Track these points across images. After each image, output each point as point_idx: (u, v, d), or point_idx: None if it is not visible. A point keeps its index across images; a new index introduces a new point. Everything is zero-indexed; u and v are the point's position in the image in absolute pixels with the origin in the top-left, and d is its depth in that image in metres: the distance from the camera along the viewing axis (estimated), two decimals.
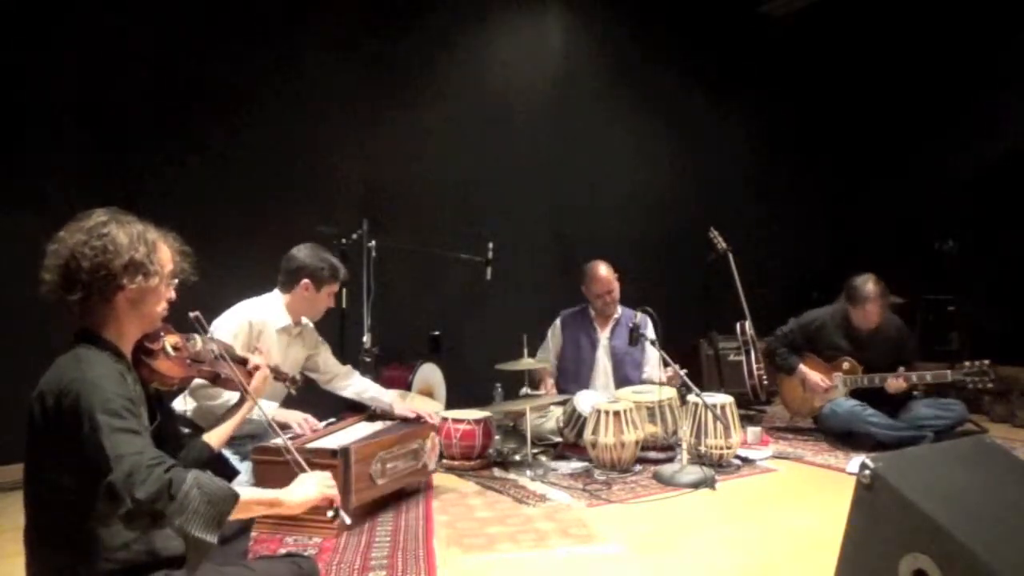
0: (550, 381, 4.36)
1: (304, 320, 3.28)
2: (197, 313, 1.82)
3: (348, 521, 1.74)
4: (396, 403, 3.40)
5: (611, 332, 4.43)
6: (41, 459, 1.53)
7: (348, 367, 3.48)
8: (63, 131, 3.81)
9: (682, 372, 3.77)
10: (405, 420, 3.34)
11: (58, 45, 3.78)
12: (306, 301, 3.20)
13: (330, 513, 1.71)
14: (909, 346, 4.35)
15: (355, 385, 3.42)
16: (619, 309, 4.42)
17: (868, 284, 4.17)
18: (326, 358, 3.40)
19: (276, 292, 3.22)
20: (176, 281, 1.73)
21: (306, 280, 3.16)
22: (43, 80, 3.76)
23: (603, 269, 4.36)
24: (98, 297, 1.57)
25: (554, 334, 4.51)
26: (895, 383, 4.07)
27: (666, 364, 3.84)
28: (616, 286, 4.36)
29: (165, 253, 1.69)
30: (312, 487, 1.67)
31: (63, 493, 1.49)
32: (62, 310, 1.58)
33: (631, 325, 3.98)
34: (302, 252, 3.20)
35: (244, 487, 1.56)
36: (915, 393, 4.25)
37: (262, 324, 3.08)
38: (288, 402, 3.15)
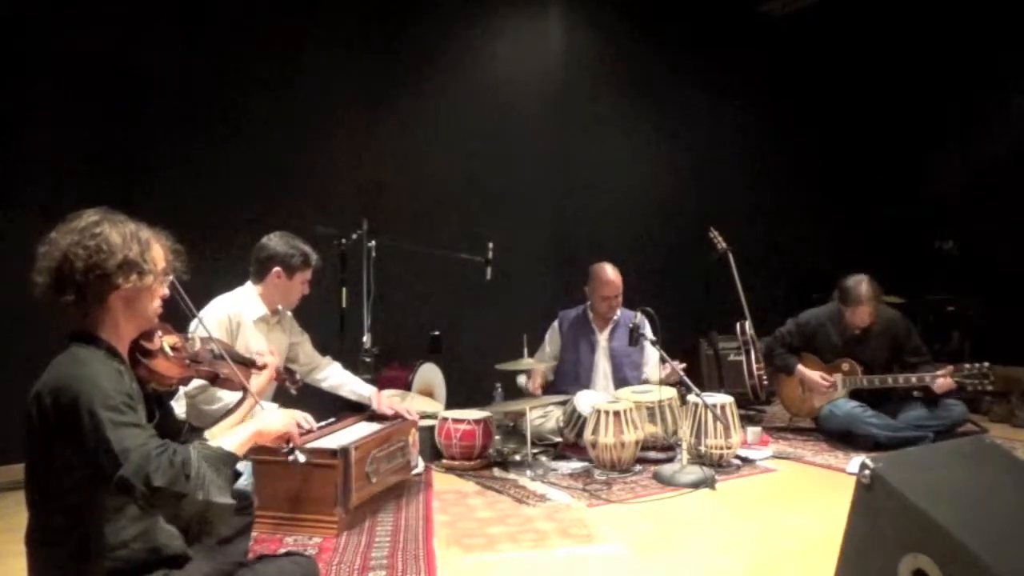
0: (539, 380, 4.33)
1: (281, 308, 3.27)
2: (172, 278, 1.78)
3: (302, 459, 1.81)
4: (375, 398, 3.39)
5: (610, 334, 4.42)
6: (41, 459, 1.53)
7: (328, 358, 3.47)
8: (62, 131, 3.80)
9: (680, 367, 3.75)
10: (385, 417, 3.34)
11: (57, 43, 3.78)
12: (279, 289, 3.17)
13: (284, 449, 1.78)
14: (911, 340, 4.31)
15: (334, 377, 3.42)
16: (618, 311, 4.41)
17: (861, 286, 4.17)
18: (307, 349, 3.40)
19: (248, 284, 3.20)
20: (170, 279, 1.73)
21: (277, 268, 3.13)
22: (42, 79, 3.75)
23: (611, 272, 4.32)
24: (92, 297, 1.57)
25: (553, 336, 4.50)
26: (945, 382, 3.99)
27: (664, 362, 3.83)
28: (621, 290, 4.35)
29: (158, 251, 1.69)
30: (280, 417, 1.78)
31: (63, 492, 1.50)
32: (56, 312, 1.58)
33: (631, 325, 3.97)
34: (272, 241, 3.18)
35: (228, 439, 1.64)
36: (915, 393, 4.25)
37: (239, 316, 3.06)
38: (287, 402, 3.14)
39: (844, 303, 4.24)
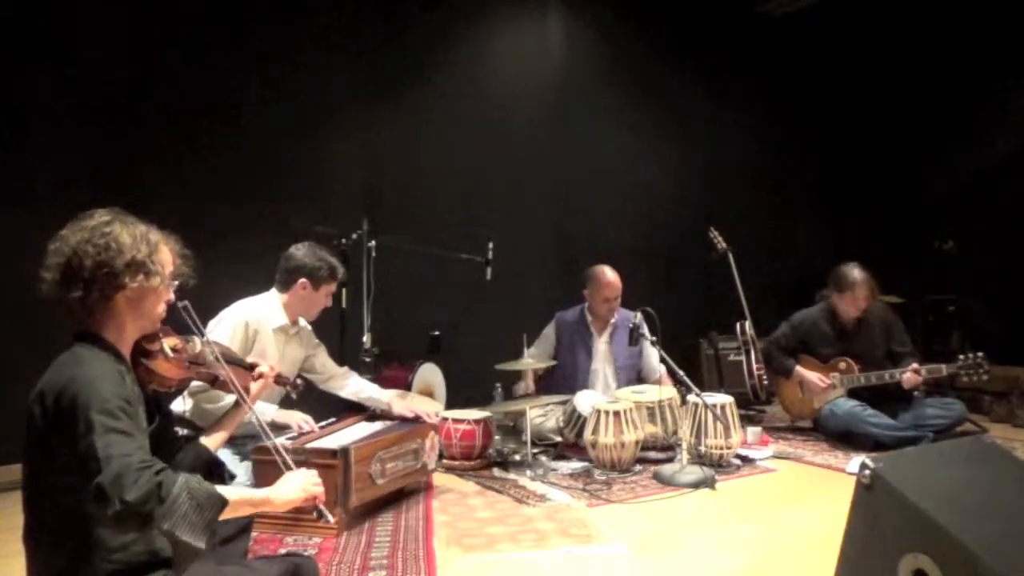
0: (531, 379, 4.26)
1: (302, 321, 3.28)
2: (186, 303, 1.80)
3: (331, 519, 1.75)
4: (394, 403, 3.39)
5: (610, 336, 4.40)
6: (41, 459, 1.53)
7: (345, 368, 3.48)
8: (63, 131, 3.80)
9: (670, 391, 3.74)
10: (404, 420, 3.34)
11: (57, 42, 3.78)
12: (303, 300, 3.18)
13: (315, 513, 1.72)
14: (899, 333, 4.34)
15: (352, 385, 3.42)
16: (616, 312, 4.40)
17: (854, 271, 4.23)
18: (323, 360, 3.40)
19: (273, 291, 3.21)
20: (176, 283, 1.74)
21: (303, 279, 3.14)
22: (43, 79, 3.75)
23: (611, 274, 4.30)
24: (98, 296, 1.57)
25: (548, 338, 4.46)
26: (912, 378, 4.05)
27: (671, 374, 3.76)
28: (621, 291, 4.33)
29: (166, 254, 1.70)
30: (296, 486, 1.67)
31: (62, 493, 1.49)
32: (61, 310, 1.58)
33: (631, 326, 3.97)
34: (300, 251, 3.19)
35: (232, 488, 1.56)
36: (915, 392, 4.25)
37: (258, 324, 3.07)
38: (288, 403, 3.14)
39: (839, 289, 4.26)
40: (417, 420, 3.33)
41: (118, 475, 1.36)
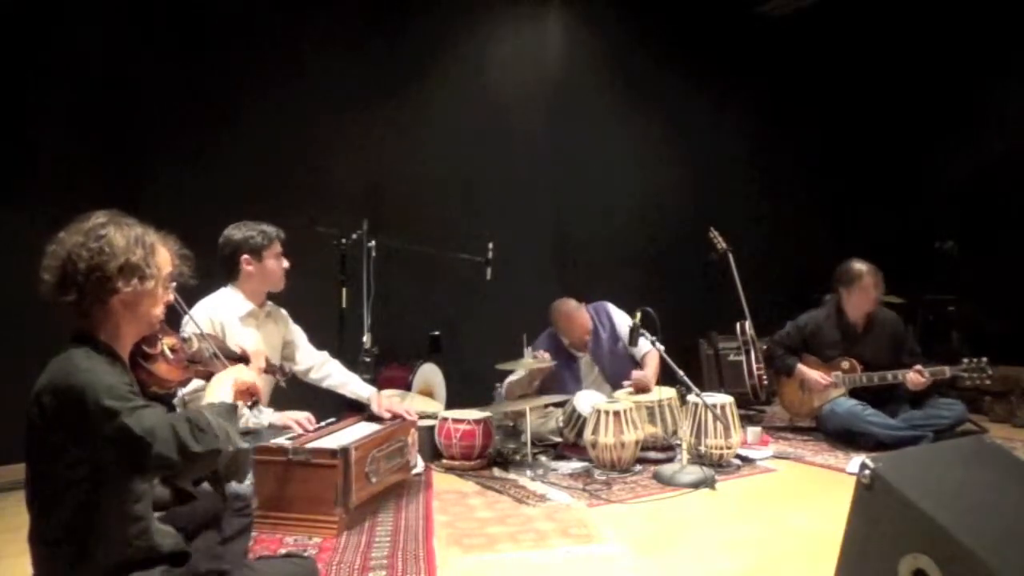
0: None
1: (269, 305, 3.22)
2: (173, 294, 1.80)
3: (264, 417, 1.85)
4: (373, 400, 3.36)
5: (588, 349, 4.37)
6: (43, 458, 1.53)
7: (325, 354, 3.42)
8: (65, 131, 3.81)
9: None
10: (381, 419, 3.32)
11: (58, 44, 3.78)
12: (255, 276, 3.12)
13: (248, 404, 1.83)
14: (908, 341, 4.32)
15: (335, 375, 3.38)
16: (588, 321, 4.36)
17: (859, 264, 4.23)
18: (305, 347, 3.35)
19: (227, 286, 3.14)
20: (174, 284, 1.73)
21: (244, 256, 3.09)
22: (44, 79, 3.76)
23: (575, 308, 4.30)
24: (92, 299, 1.57)
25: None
26: (916, 378, 4.04)
27: (674, 377, 3.74)
28: (589, 321, 4.31)
29: (164, 256, 1.69)
30: (249, 369, 1.94)
31: (66, 490, 1.50)
32: (59, 312, 1.58)
33: (630, 326, 3.97)
34: (229, 233, 3.13)
35: (215, 394, 1.69)
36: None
37: (222, 317, 3.02)
38: (286, 401, 3.14)
39: (845, 285, 4.26)
40: (396, 419, 3.32)
41: (168, 439, 1.43)
